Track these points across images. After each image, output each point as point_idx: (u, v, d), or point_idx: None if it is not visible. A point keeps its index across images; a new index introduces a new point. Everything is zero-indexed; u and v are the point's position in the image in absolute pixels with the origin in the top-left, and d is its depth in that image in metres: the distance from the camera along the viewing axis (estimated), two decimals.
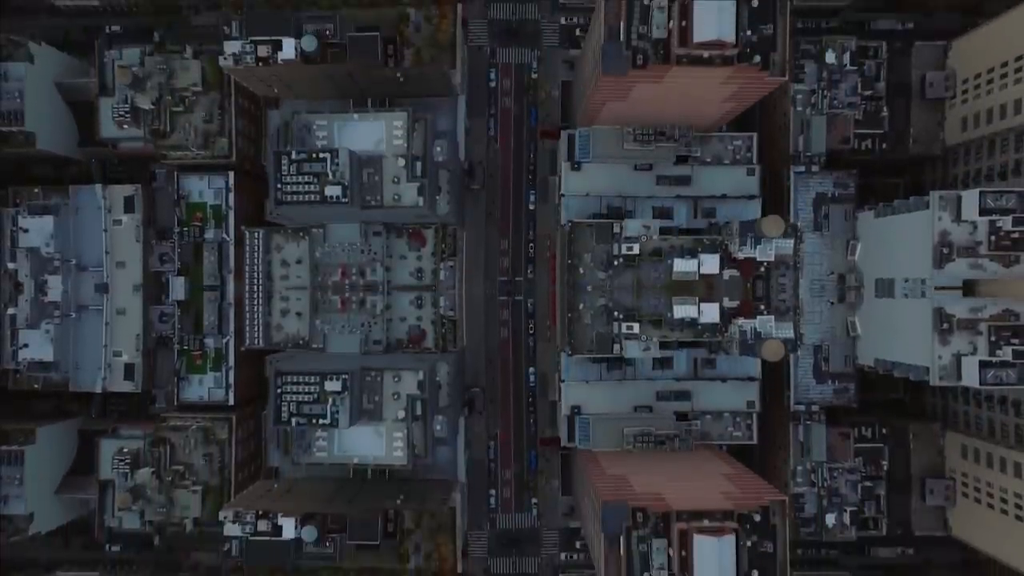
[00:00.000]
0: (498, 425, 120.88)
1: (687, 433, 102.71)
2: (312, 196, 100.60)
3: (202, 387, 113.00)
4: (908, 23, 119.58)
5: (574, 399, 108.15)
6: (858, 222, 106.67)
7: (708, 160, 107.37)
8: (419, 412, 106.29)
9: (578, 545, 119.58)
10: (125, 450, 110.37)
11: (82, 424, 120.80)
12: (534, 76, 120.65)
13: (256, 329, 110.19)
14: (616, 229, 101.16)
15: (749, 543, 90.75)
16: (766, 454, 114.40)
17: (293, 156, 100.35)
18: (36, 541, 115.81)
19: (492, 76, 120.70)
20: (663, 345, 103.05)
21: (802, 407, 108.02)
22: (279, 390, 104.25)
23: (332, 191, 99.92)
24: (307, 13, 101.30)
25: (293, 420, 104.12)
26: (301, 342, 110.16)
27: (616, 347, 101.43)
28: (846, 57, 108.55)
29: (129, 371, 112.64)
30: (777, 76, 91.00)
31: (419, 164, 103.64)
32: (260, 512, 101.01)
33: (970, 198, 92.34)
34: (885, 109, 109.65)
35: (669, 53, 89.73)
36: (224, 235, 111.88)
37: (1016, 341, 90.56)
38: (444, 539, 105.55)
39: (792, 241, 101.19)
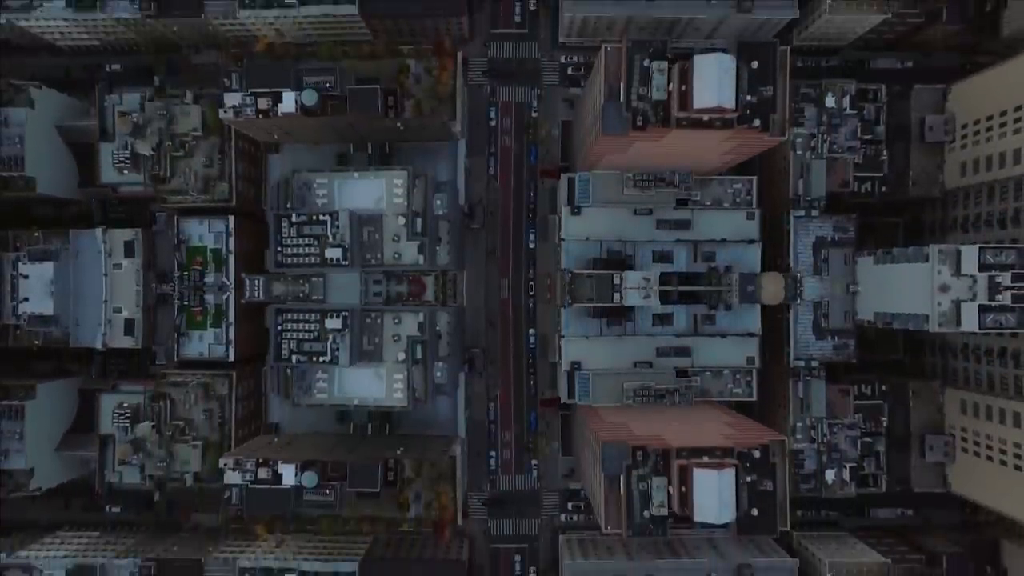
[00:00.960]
0: (498, 386, 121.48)
1: (687, 388, 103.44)
2: (312, 258, 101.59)
3: (202, 343, 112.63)
4: (907, 62, 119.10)
5: (574, 355, 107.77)
6: (857, 267, 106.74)
7: (708, 203, 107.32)
8: (419, 355, 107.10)
9: (570, 507, 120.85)
10: (125, 404, 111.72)
11: (82, 383, 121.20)
12: (534, 114, 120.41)
13: (256, 282, 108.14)
14: (616, 280, 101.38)
15: (748, 479, 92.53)
16: (766, 411, 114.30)
17: (293, 219, 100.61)
18: (36, 502, 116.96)
19: (492, 114, 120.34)
20: (663, 297, 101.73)
21: (802, 363, 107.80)
22: (279, 328, 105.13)
23: (332, 253, 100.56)
24: (307, 65, 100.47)
25: (293, 357, 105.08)
26: (301, 295, 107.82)
27: (616, 296, 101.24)
28: (846, 101, 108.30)
29: (129, 327, 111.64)
30: (777, 136, 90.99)
31: (419, 221, 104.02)
32: (260, 460, 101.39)
33: (969, 253, 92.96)
34: (885, 153, 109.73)
35: (669, 115, 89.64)
36: (224, 279, 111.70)
37: (1015, 285, 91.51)
38: (444, 488, 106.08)
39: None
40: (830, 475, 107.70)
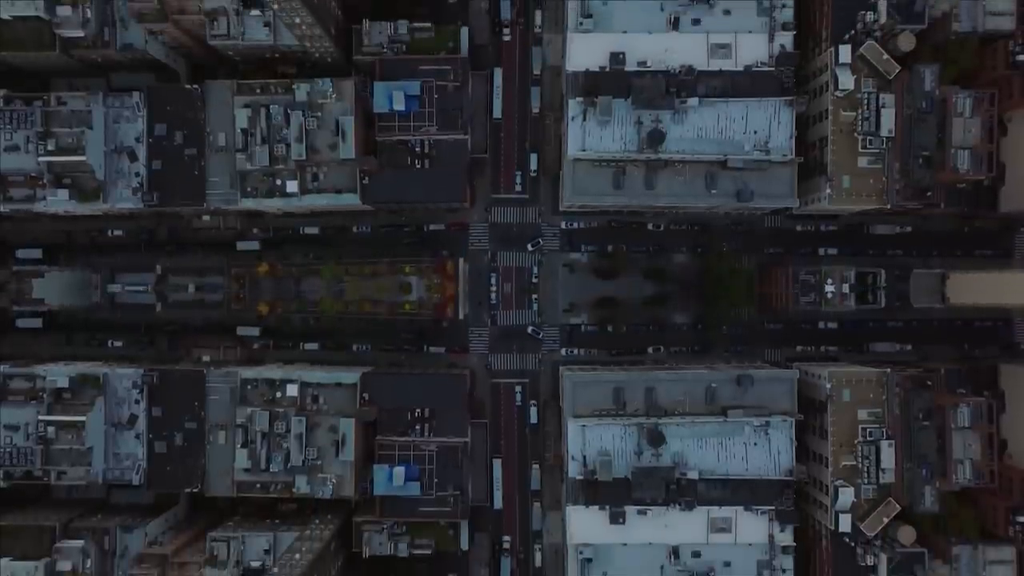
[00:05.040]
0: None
1: None
2: None
3: None
4: (906, 226, 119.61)
5: None
6: None
7: None
8: None
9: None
10: None
11: None
12: (535, 280, 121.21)
13: None
14: None
15: None
16: None
17: None
18: (38, 337, 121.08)
19: (493, 281, 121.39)
20: None
21: None
22: None
23: None
24: (308, 286, 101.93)
25: None
26: None
27: None
28: (845, 287, 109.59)
29: None
30: None
31: None
32: None
33: None
34: None
35: None
36: None
37: None
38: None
39: None
40: (829, 289, 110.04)
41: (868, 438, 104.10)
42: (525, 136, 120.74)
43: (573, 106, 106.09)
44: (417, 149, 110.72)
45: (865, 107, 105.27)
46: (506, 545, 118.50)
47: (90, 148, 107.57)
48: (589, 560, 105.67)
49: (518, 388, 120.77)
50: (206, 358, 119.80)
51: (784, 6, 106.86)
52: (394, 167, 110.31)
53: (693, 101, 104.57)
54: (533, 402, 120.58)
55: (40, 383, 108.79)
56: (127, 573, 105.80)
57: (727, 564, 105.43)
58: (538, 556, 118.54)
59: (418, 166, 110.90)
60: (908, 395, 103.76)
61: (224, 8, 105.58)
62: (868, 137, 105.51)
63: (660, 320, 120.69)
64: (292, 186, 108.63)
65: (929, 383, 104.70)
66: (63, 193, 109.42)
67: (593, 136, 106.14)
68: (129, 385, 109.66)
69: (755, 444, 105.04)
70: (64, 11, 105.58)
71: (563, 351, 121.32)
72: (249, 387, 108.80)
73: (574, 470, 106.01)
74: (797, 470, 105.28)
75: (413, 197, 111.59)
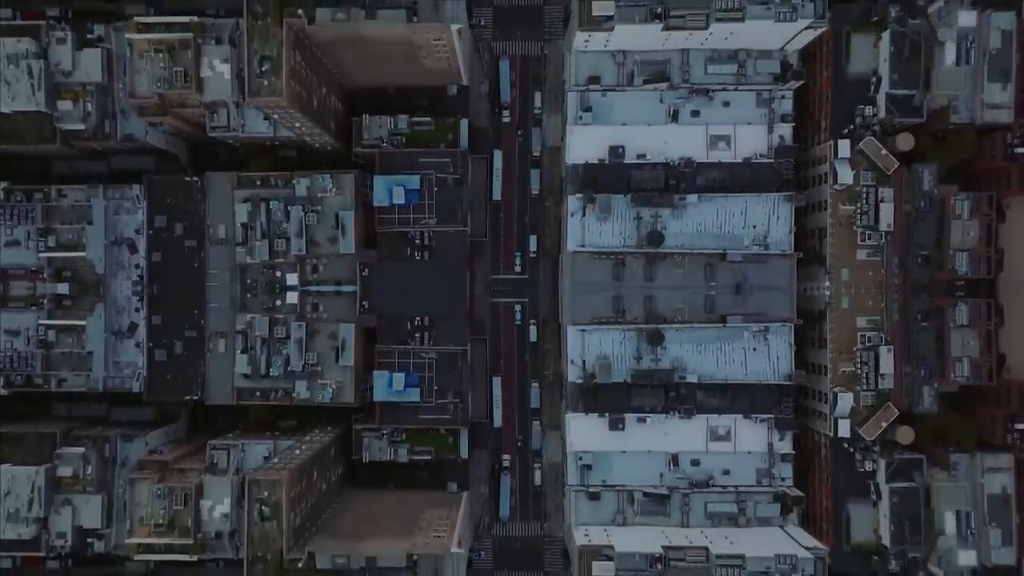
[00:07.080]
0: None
1: None
2: None
3: None
4: None
5: None
6: None
7: None
8: None
9: None
10: None
11: None
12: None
13: None
14: None
15: None
16: None
17: None
18: None
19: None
20: None
21: None
22: None
23: None
24: None
25: None
26: None
27: None
28: None
29: None
30: None
31: None
32: None
33: None
34: None
35: None
36: None
37: None
38: None
39: None
40: None
41: (867, 344, 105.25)
42: (525, 217, 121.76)
43: (572, 202, 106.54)
44: (417, 241, 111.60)
45: (864, 201, 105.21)
46: (506, 464, 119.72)
47: (90, 243, 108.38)
48: (588, 467, 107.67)
49: (517, 307, 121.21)
50: None
51: (783, 97, 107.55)
52: (394, 258, 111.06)
53: (692, 198, 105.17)
54: (532, 321, 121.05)
55: (40, 290, 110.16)
56: (128, 479, 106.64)
57: (726, 472, 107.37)
58: (537, 475, 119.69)
59: (418, 257, 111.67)
60: (907, 299, 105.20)
61: (224, 101, 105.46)
62: (867, 231, 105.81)
63: None
64: (292, 279, 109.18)
65: (928, 285, 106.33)
66: (63, 287, 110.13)
67: (592, 232, 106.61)
68: (129, 293, 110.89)
69: (754, 349, 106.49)
70: (65, 105, 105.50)
71: None
72: (249, 295, 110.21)
73: (573, 374, 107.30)
74: (796, 375, 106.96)
75: (412, 288, 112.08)
